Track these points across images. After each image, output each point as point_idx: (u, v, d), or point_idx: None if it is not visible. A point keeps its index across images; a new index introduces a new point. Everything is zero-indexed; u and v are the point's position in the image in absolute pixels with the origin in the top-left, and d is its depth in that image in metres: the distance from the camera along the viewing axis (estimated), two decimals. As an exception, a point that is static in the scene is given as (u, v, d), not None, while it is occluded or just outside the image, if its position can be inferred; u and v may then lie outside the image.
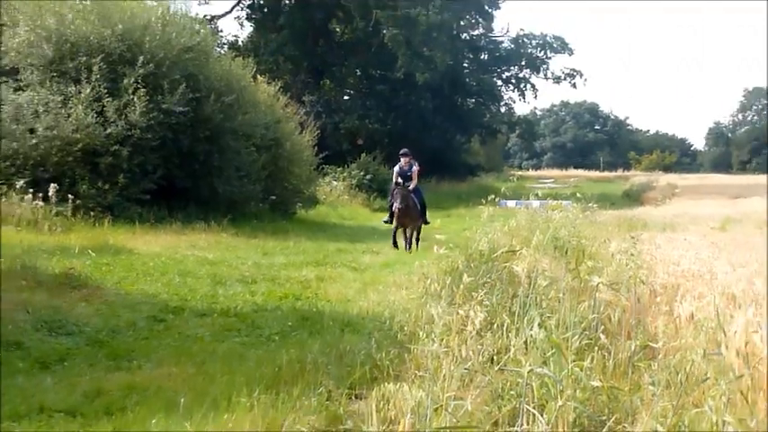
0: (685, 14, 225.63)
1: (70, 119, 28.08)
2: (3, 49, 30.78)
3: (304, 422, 8.30)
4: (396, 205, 25.96)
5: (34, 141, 27.82)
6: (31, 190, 25.93)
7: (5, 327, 12.76)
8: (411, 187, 27.30)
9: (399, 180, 27.15)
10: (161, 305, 15.39)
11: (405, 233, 27.49)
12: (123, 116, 28.51)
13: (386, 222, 28.19)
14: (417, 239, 27.87)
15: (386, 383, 9.58)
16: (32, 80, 29.44)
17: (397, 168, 28.04)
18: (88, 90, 28.37)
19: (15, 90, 29.27)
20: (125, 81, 28.80)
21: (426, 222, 28.78)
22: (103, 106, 28.32)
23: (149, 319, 14.27)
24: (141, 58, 29.34)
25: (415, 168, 28.02)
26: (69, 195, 26.44)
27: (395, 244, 27.02)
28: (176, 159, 29.67)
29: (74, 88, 28.59)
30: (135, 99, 28.45)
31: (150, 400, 9.54)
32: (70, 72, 29.10)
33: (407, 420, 7.16)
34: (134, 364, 11.38)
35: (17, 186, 26.49)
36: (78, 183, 27.65)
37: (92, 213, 26.33)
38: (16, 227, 23.07)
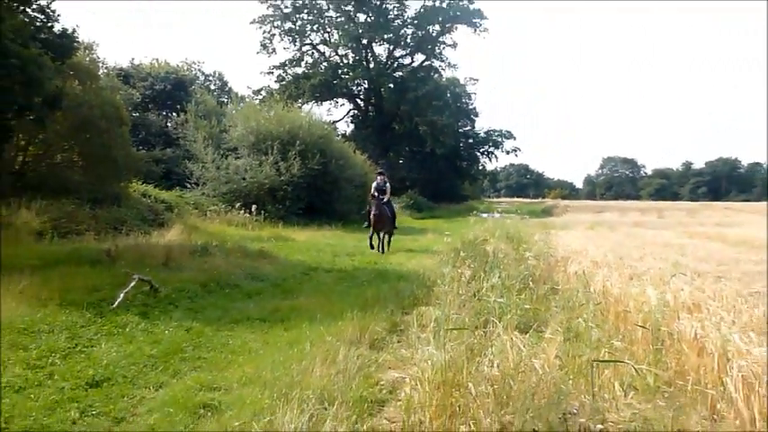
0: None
1: (263, 173, 32.78)
2: (229, 137, 35.33)
3: (380, 326, 9.84)
4: (372, 211, 23.54)
5: (244, 184, 32.60)
6: (243, 209, 29.95)
7: (229, 277, 14.98)
8: (385, 199, 24.56)
9: (375, 193, 24.55)
10: (306, 266, 17.75)
11: (379, 236, 24.07)
12: (288, 171, 32.73)
13: (366, 227, 24.82)
14: (389, 243, 24.71)
15: (420, 306, 11.21)
16: (243, 153, 34.33)
17: (374, 184, 25.24)
18: (271, 158, 32.78)
19: (236, 158, 34.05)
20: (289, 153, 32.95)
21: (395, 227, 25.60)
22: (279, 166, 32.81)
23: (301, 273, 16.52)
24: (297, 141, 33.58)
25: (388, 185, 25.39)
26: (262, 211, 30.13)
27: (371, 246, 23.72)
28: (315, 192, 34.10)
29: (264, 157, 33.15)
30: (294, 162, 32.84)
31: (302, 314, 11.18)
32: (263, 149, 33.59)
33: (431, 325, 8.45)
34: (294, 296, 13.29)
35: (236, 206, 30.44)
36: (266, 204, 31.46)
37: (273, 220, 30.23)
38: (236, 227, 27.53)
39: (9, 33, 15.44)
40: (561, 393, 5.31)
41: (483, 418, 4.85)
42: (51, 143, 23.55)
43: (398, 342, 9.43)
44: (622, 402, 5.75)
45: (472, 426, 4.71)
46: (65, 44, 18.15)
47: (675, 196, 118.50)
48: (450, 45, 65.76)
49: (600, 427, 4.46)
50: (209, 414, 6.35)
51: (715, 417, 5.42)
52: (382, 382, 7.53)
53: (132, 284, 11.60)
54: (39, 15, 17.44)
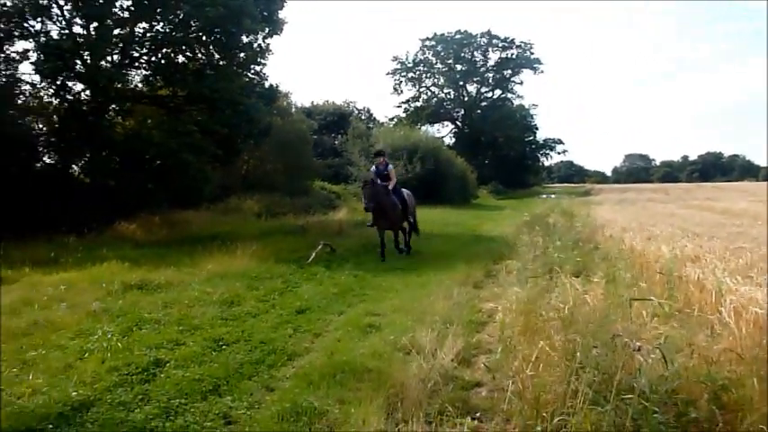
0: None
1: (396, 172, 32.08)
2: (374, 149, 34.81)
3: (479, 273, 9.75)
4: (365, 203, 12.28)
5: None
6: None
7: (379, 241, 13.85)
8: (390, 186, 13.06)
9: (378, 180, 12.95)
10: (427, 233, 16.43)
11: (396, 241, 13.37)
12: (413, 170, 31.80)
13: (369, 226, 13.36)
14: (407, 245, 13.47)
15: (506, 260, 10.82)
16: None
17: (373, 168, 13.82)
18: (401, 162, 31.52)
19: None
20: (413, 159, 32.65)
21: (409, 223, 13.67)
22: (407, 167, 31.79)
23: (424, 238, 15.29)
24: (418, 150, 33.03)
25: (391, 168, 13.78)
26: None
27: (382, 256, 12.41)
28: (430, 184, 31.79)
29: (397, 162, 30.17)
30: (416, 164, 32.15)
31: (428, 265, 11.03)
32: (396, 156, 31.55)
33: (515, 273, 8.39)
34: (421, 253, 12.99)
35: None
36: None
37: None
38: None
39: (237, 89, 16.02)
40: (607, 320, 5.16)
41: (554, 335, 4.77)
42: (263, 157, 24.37)
43: (492, 283, 9.23)
44: (650, 326, 5.59)
45: (547, 341, 4.62)
46: (271, 94, 18.68)
47: (676, 180, 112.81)
48: (518, 83, 64.72)
49: (638, 344, 4.33)
50: (373, 331, 6.42)
51: (713, 335, 5.18)
52: (483, 311, 7.43)
53: (319, 247, 11.91)
54: (255, 77, 17.97)
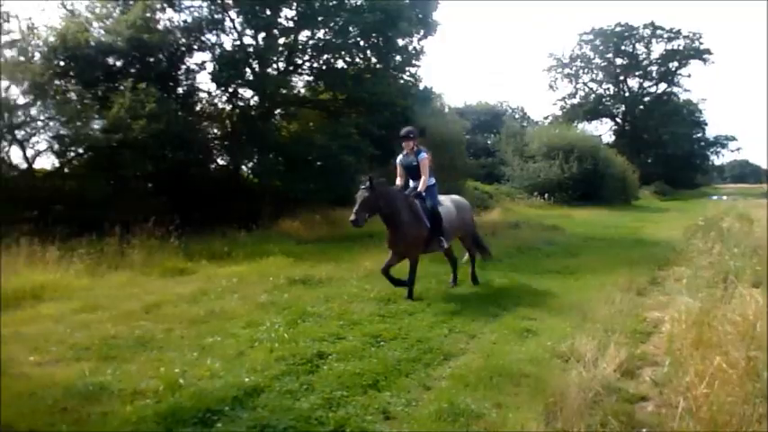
0: None
1: (552, 172, 31.09)
2: (528, 149, 33.32)
3: (641, 280, 9.18)
4: (352, 217, 7.47)
5: (539, 180, 30.93)
6: (539, 196, 28.61)
7: (533, 242, 14.13)
8: (421, 188, 8.17)
9: (399, 182, 8.55)
10: (585, 235, 16.52)
11: (410, 268, 8.10)
12: (570, 170, 30.83)
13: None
14: (472, 276, 9.25)
15: (672, 266, 10.38)
16: (539, 159, 32.59)
17: (400, 158, 8.55)
18: (557, 162, 31.08)
19: (533, 162, 32.52)
20: (570, 158, 31.12)
21: (441, 246, 8.42)
22: (563, 167, 31.07)
23: (581, 240, 15.46)
24: (575, 149, 31.58)
25: (425, 157, 8.19)
26: (552, 197, 28.83)
27: (391, 279, 8.07)
28: (588, 184, 31.21)
29: (552, 161, 31.59)
30: (573, 164, 30.82)
31: (585, 269, 10.65)
32: (552, 156, 31.77)
33: (684, 280, 7.83)
34: (578, 256, 12.53)
35: (534, 194, 28.75)
36: (555, 193, 29.79)
37: (559, 204, 28.35)
38: (534, 209, 25.62)
39: (394, 91, 16.39)
40: (796, 336, 4.66)
41: (731, 351, 4.39)
42: (418, 158, 24.62)
43: (657, 291, 8.73)
44: None
45: (723, 356, 4.27)
46: (426, 96, 18.90)
47: None
48: (685, 76, 60.15)
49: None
50: (530, 335, 6.29)
51: None
52: (648, 320, 7.04)
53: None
54: (410, 79, 18.27)
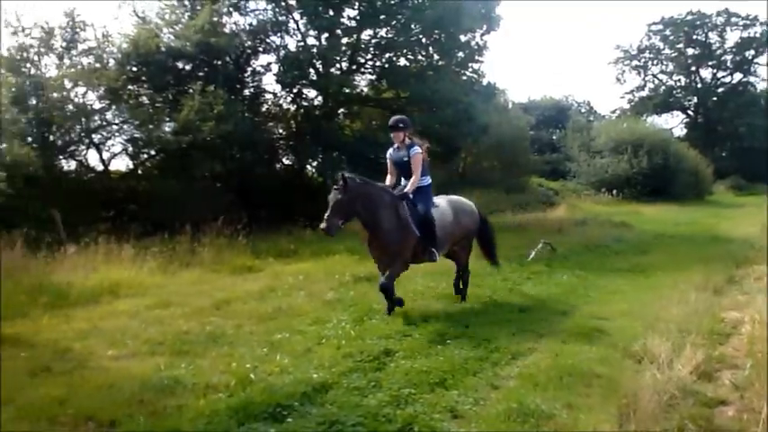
0: None
1: (620, 167, 29.88)
2: (595, 144, 32.03)
3: (718, 278, 8.74)
4: (323, 225, 6.33)
5: (607, 176, 29.85)
6: (606, 192, 27.90)
7: (600, 240, 13.73)
8: (408, 188, 6.85)
9: (389, 180, 7.19)
10: (655, 232, 16.00)
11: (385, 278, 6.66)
12: (638, 165, 29.66)
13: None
14: (462, 291, 7.66)
15: (752, 264, 9.90)
16: (606, 154, 31.36)
17: (390, 152, 7.15)
18: (625, 157, 29.98)
19: (600, 158, 31.33)
20: (638, 153, 30.01)
21: (432, 259, 6.98)
22: (632, 162, 29.88)
23: (651, 238, 15.04)
24: (644, 144, 30.56)
25: (417, 152, 6.83)
26: (620, 194, 27.96)
27: (392, 303, 6.70)
28: (657, 179, 29.74)
29: (620, 156, 30.33)
30: (642, 159, 29.68)
31: (656, 267, 10.34)
32: (620, 151, 30.59)
33: (765, 279, 8.04)
34: (649, 254, 12.19)
35: (601, 191, 28.03)
36: (623, 189, 28.75)
37: (627, 200, 27.16)
38: (601, 205, 24.72)
39: (457, 88, 16.30)
40: None
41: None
42: (480, 155, 24.49)
43: (735, 290, 8.34)
44: None
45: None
46: (489, 92, 18.69)
47: None
48: (763, 65, 57.25)
49: None
50: (600, 335, 6.11)
51: None
52: (726, 320, 6.72)
53: (539, 246, 11.64)
54: (473, 75, 18.12)
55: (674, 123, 57.80)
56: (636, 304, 7.42)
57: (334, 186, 6.42)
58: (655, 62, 59.20)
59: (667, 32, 57.49)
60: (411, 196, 6.86)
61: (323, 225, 6.28)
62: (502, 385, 4.74)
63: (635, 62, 59.10)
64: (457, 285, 7.73)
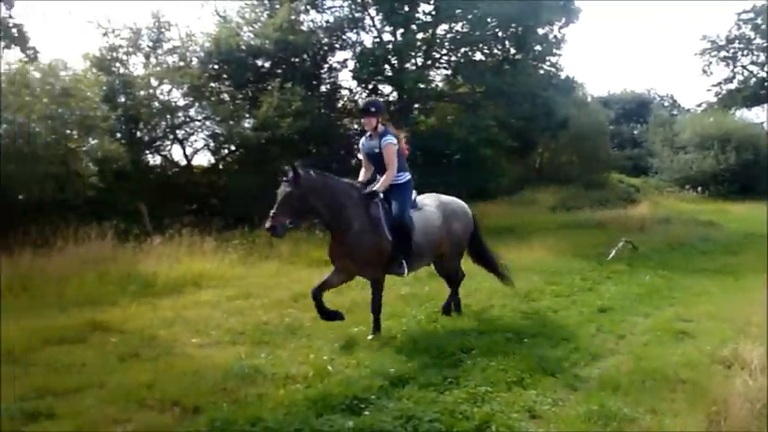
0: None
1: (706, 163, 28.44)
2: (678, 139, 30.70)
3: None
4: (267, 228, 5.17)
5: (692, 172, 28.40)
6: (691, 189, 26.94)
7: (686, 238, 13.26)
8: (378, 186, 5.63)
9: (363, 176, 6.00)
10: (744, 232, 15.29)
11: (372, 293, 5.90)
12: (726, 162, 28.27)
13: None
14: (455, 305, 6.61)
15: None
16: (690, 150, 29.97)
17: (362, 141, 6.01)
18: (712, 152, 28.73)
19: (684, 153, 29.89)
20: (726, 148, 28.73)
21: (399, 272, 5.79)
22: (718, 158, 28.55)
23: (741, 237, 14.48)
24: (732, 139, 29.28)
25: (390, 141, 5.57)
26: (706, 191, 26.82)
27: (322, 312, 5.68)
28: (747, 176, 28.51)
29: (706, 152, 29.02)
30: (730, 155, 28.29)
31: (747, 268, 9.83)
32: (706, 146, 29.18)
33: None
34: (738, 254, 11.77)
35: (685, 188, 26.99)
36: (709, 186, 27.67)
37: (714, 197, 26.01)
38: (686, 203, 23.93)
39: (535, 82, 16.03)
40: None
41: None
42: (558, 149, 24.03)
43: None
44: None
45: None
46: (568, 85, 18.27)
47: None
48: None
49: None
50: (685, 338, 5.89)
51: None
52: (825, 325, 6.29)
53: (620, 244, 11.30)
54: (551, 68, 17.74)
55: (765, 117, 54.63)
56: (724, 307, 7.11)
57: (283, 178, 5.31)
58: (745, 53, 56.06)
59: (759, 21, 54.37)
60: (381, 195, 5.71)
61: (267, 224, 5.19)
62: (581, 387, 4.62)
63: (723, 53, 56.19)
64: (448, 308, 6.57)
